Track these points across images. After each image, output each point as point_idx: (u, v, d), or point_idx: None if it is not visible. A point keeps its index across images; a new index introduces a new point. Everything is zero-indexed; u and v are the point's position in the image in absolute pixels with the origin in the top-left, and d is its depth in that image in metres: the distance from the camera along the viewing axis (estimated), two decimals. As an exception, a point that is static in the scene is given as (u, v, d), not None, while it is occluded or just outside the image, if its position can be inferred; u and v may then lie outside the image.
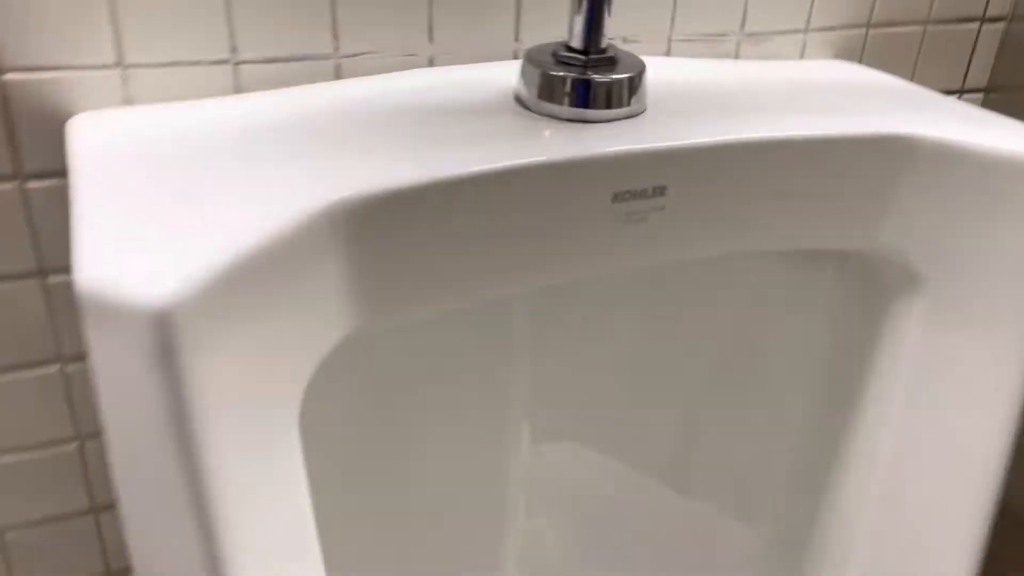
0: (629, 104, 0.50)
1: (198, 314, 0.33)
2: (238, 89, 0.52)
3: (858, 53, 0.69)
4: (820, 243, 0.53)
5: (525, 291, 0.46)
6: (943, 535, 0.59)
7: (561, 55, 0.50)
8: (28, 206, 0.49)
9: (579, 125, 0.49)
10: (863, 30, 0.68)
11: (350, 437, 0.58)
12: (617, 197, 0.47)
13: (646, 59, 0.56)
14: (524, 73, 0.50)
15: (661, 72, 0.57)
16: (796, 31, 0.65)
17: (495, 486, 0.67)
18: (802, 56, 0.67)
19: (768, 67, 0.63)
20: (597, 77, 0.49)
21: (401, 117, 0.48)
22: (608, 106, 0.49)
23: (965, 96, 0.75)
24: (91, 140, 0.44)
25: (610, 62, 0.50)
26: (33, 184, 0.49)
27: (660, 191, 0.48)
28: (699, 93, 0.55)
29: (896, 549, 0.60)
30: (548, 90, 0.49)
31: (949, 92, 0.74)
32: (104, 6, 0.47)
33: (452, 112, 0.49)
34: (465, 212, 0.43)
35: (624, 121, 0.50)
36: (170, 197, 0.39)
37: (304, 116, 0.48)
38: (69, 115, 0.48)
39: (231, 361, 0.35)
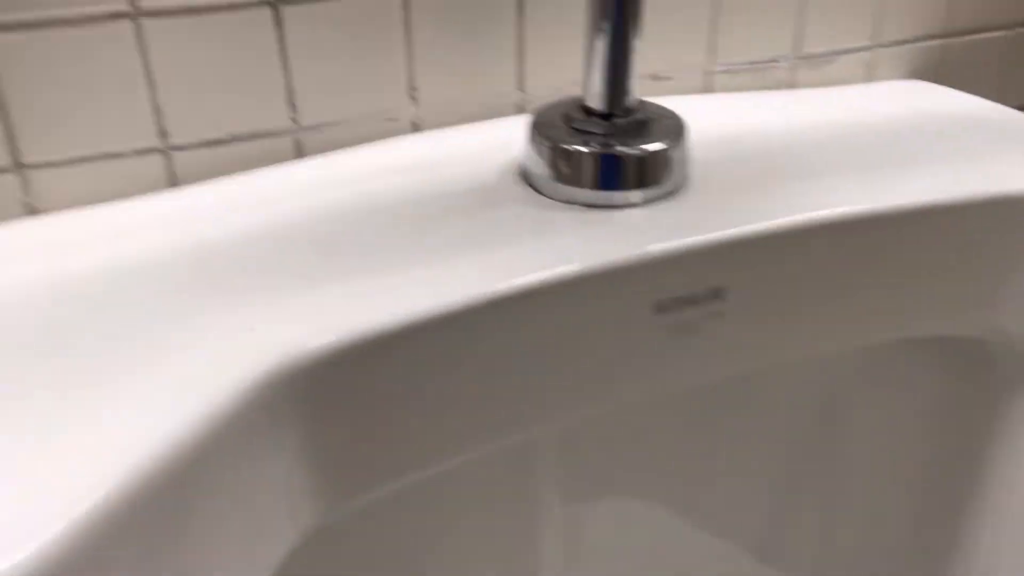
0: (668, 180, 0.38)
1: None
2: (173, 182, 0.41)
3: (934, 68, 0.57)
4: (921, 331, 0.42)
5: (548, 432, 0.36)
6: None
7: (576, 121, 0.39)
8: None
9: (605, 212, 0.38)
10: (940, 41, 0.56)
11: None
12: (660, 307, 0.36)
13: (680, 101, 0.46)
14: (532, 145, 0.39)
15: (701, 119, 0.45)
16: (861, 48, 0.54)
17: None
18: (870, 78, 0.55)
19: (830, 97, 0.51)
20: (625, 149, 0.37)
21: (371, 217, 0.37)
22: (641, 185, 0.38)
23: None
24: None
25: (640, 127, 0.39)
26: (-81, 321, 0.39)
27: (717, 294, 0.36)
28: (751, 148, 0.43)
29: None
30: (563, 168, 0.38)
31: (1041, 104, 0.62)
32: (-12, 93, 0.37)
33: (439, 204, 0.38)
34: (460, 350, 0.32)
35: (663, 203, 0.38)
36: (37, 390, 0.28)
37: (245, 224, 0.37)
38: (-42, 233, 0.38)
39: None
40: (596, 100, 0.38)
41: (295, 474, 0.30)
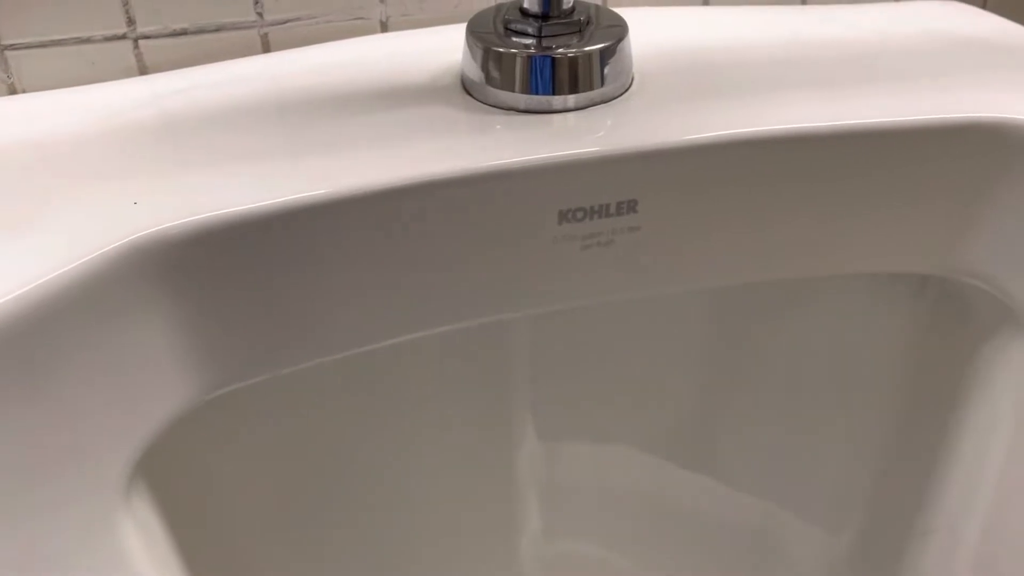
0: (602, 85, 0.37)
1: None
2: (142, 69, 0.43)
3: (980, -11, 0.52)
4: (865, 267, 0.40)
5: (440, 333, 0.36)
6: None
7: (512, 23, 0.38)
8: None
9: (536, 117, 0.37)
10: (988, -42, 0.51)
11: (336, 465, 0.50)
12: (565, 217, 0.35)
13: (668, 11, 0.44)
14: (467, 48, 0.38)
15: (677, 31, 0.44)
16: (889, -36, 0.50)
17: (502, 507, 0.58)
18: (899, -4, 0.51)
19: (842, 14, 0.48)
20: (560, 51, 0.37)
21: (306, 111, 0.38)
22: (575, 89, 0.37)
23: None
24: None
25: (575, 28, 0.37)
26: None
27: (630, 207, 0.36)
28: (720, 62, 0.41)
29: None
30: (496, 72, 0.37)
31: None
32: (-33, -23, 0.39)
33: (372, 102, 0.38)
34: (342, 243, 0.33)
35: (599, 108, 0.37)
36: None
37: (188, 112, 0.38)
38: (-53, 107, 0.41)
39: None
40: (532, 1, 0.37)
41: (174, 346, 0.32)
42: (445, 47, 0.42)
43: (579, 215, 0.35)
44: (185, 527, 0.36)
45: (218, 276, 0.32)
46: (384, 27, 0.45)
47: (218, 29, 0.43)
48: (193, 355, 0.32)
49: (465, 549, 0.58)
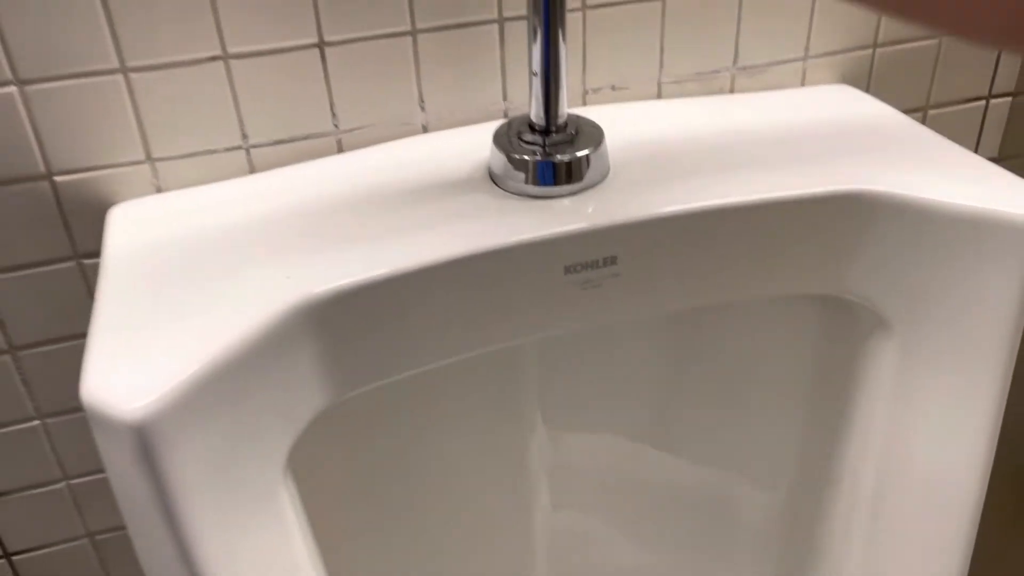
0: (589, 177, 0.54)
1: (170, 419, 0.41)
2: (252, 169, 0.59)
3: (865, 75, 0.69)
4: (780, 291, 0.56)
5: (490, 352, 0.52)
6: (924, 569, 0.62)
7: (524, 135, 0.54)
8: (85, 280, 0.59)
9: (544, 201, 0.53)
10: (869, 51, 0.68)
11: (374, 484, 0.66)
12: (568, 270, 0.51)
13: (629, 107, 0.60)
14: (493, 152, 0.55)
15: (637, 124, 0.60)
16: (794, 60, 0.67)
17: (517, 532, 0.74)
18: (804, 83, 0.68)
19: (759, 101, 0.65)
20: (558, 156, 0.53)
21: (379, 200, 0.54)
22: (569, 181, 0.53)
23: (992, 101, 0.74)
24: (116, 236, 0.53)
25: (569, 140, 0.54)
26: (87, 261, 0.58)
27: (612, 260, 0.52)
28: (670, 150, 0.58)
29: None
30: (514, 170, 0.54)
31: (974, 100, 0.73)
32: (130, 112, 0.55)
33: (428, 191, 0.55)
34: (423, 295, 0.49)
35: (587, 193, 0.54)
36: (163, 303, 0.46)
37: (292, 204, 0.54)
38: (112, 203, 0.57)
39: (205, 448, 0.43)
40: (537, 120, 0.54)
41: (314, 368, 0.48)
42: (474, 144, 0.58)
43: (578, 268, 0.51)
44: (314, 500, 0.52)
45: (340, 321, 0.48)
46: (425, 129, 0.61)
47: (306, 137, 0.59)
48: (325, 373, 0.48)
49: (490, 519, 0.74)
